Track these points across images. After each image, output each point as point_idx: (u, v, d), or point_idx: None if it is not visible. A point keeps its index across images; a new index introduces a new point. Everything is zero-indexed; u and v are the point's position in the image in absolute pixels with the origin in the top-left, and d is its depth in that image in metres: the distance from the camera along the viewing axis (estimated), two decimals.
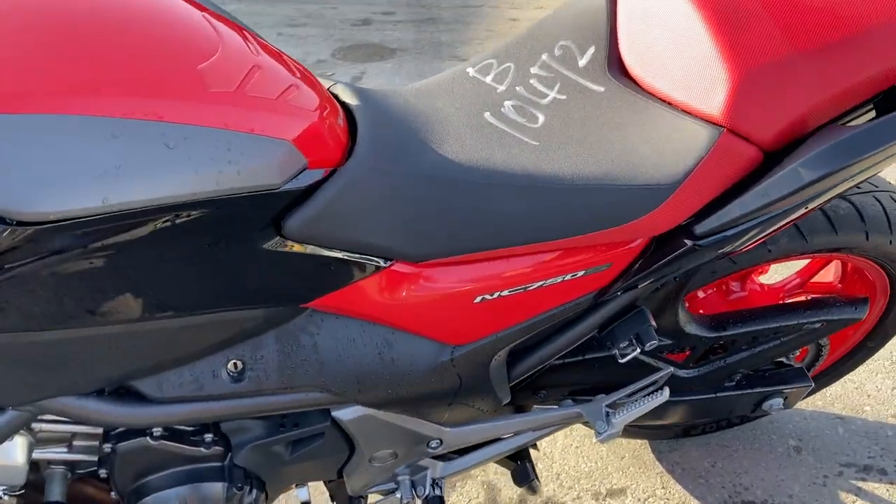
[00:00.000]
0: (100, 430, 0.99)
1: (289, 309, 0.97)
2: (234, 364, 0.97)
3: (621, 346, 1.11)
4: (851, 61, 0.91)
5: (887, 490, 1.59)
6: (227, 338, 0.95)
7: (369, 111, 0.98)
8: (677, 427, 1.61)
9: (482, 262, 0.98)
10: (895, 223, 1.27)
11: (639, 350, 1.10)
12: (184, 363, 0.95)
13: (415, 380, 1.04)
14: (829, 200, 1.01)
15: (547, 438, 1.50)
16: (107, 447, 0.99)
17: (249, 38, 0.92)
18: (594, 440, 1.66)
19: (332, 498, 1.32)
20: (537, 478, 1.33)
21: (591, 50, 1.04)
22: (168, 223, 0.78)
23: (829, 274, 1.51)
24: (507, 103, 1.01)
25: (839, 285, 1.49)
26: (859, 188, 1.28)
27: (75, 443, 0.99)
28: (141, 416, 0.95)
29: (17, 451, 0.94)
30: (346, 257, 0.92)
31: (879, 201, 1.27)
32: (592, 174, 0.93)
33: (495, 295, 1.00)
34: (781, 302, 1.46)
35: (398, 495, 1.23)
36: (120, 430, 0.99)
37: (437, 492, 1.26)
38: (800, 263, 1.51)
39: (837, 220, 1.23)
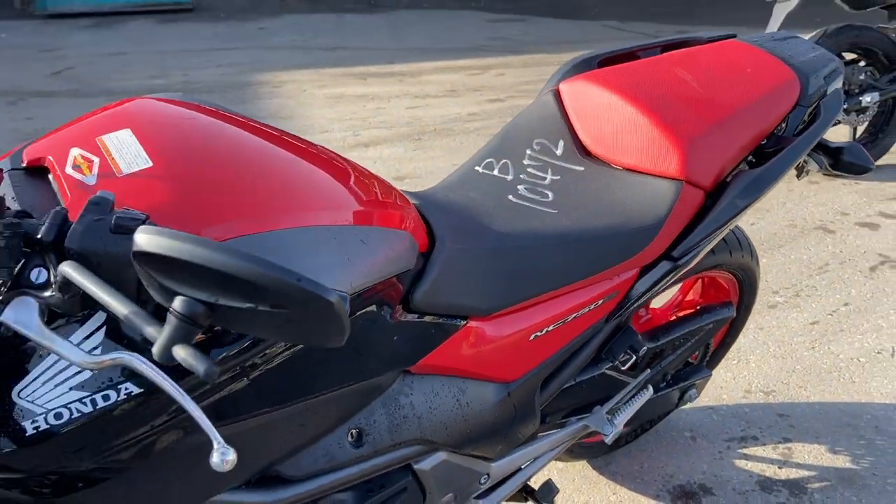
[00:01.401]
0: None
1: (391, 375, 1.17)
2: (352, 433, 1.13)
3: (620, 358, 1.44)
4: (740, 128, 1.38)
5: (763, 450, 2.07)
6: (351, 409, 1.12)
7: (429, 205, 1.24)
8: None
9: (535, 306, 1.26)
10: (742, 240, 1.78)
11: (634, 358, 1.44)
12: (318, 439, 1.10)
13: (485, 416, 1.28)
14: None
15: None
16: None
17: (342, 156, 1.15)
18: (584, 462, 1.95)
19: None
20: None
21: (561, 142, 1.40)
22: (359, 305, 0.98)
23: (692, 292, 1.99)
24: (520, 187, 1.33)
25: (701, 299, 1.97)
26: None
27: None
28: (285, 498, 1.07)
29: None
30: (441, 321, 1.15)
31: None
32: (601, 226, 1.28)
33: (545, 330, 1.28)
34: (677, 316, 1.90)
35: None
36: None
37: None
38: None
39: None
